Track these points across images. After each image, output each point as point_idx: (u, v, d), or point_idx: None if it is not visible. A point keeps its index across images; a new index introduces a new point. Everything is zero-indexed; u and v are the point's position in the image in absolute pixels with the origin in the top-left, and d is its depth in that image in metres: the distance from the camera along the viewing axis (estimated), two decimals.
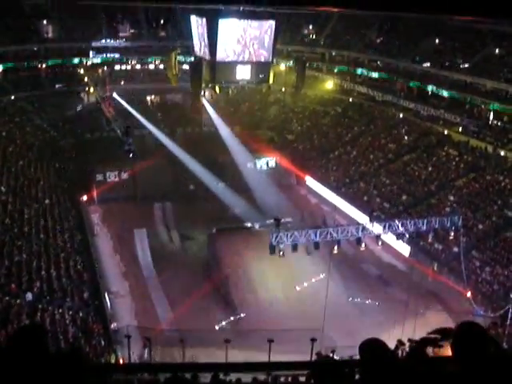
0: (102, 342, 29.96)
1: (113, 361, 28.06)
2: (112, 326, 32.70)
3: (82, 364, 3.70)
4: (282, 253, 34.98)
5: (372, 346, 3.60)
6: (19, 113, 64.92)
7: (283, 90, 71.36)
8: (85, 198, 51.96)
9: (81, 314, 31.29)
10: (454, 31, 61.13)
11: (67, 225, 43.92)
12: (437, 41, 64.85)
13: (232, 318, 35.44)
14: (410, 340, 22.86)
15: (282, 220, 38.02)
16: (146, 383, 5.01)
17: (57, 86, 71.85)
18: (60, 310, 30.40)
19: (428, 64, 62.55)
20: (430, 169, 54.03)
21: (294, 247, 34.98)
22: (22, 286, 31.02)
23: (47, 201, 46.08)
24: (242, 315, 35.24)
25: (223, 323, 35.04)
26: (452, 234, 38.51)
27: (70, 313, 30.72)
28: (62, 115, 67.62)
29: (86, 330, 29.95)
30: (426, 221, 36.80)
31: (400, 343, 22.76)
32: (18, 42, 69.07)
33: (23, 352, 3.37)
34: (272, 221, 38.66)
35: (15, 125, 61.88)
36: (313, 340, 26.01)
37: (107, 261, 42.27)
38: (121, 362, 27.76)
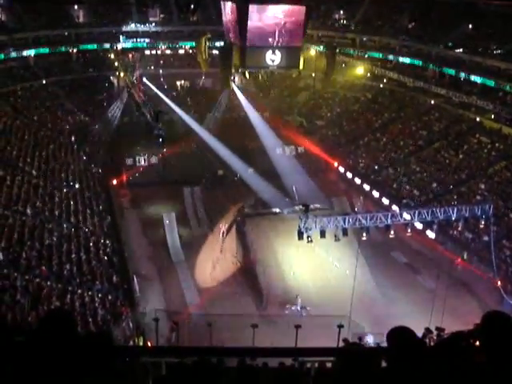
0: (131, 325, 30.28)
1: (141, 344, 28.34)
2: (140, 309, 33.00)
3: (110, 346, 3.75)
4: (310, 239, 34.97)
5: (400, 334, 3.58)
6: (50, 97, 65.64)
7: (313, 75, 71.02)
8: (114, 181, 52.39)
9: (110, 297, 31.60)
10: (487, 16, 60.20)
11: (97, 208, 44.36)
12: (470, 26, 63.88)
13: (295, 309, 35.23)
14: (437, 328, 22.76)
15: (311, 206, 37.97)
16: (173, 366, 5.05)
17: (88, 70, 72.47)
18: (89, 293, 30.77)
19: (461, 50, 61.65)
20: (460, 156, 53.43)
21: (322, 233, 34.94)
22: (52, 268, 31.44)
23: (77, 185, 46.56)
24: (308, 308, 34.98)
25: (288, 312, 35.07)
26: (482, 222, 38.14)
27: (100, 296, 31.06)
28: (92, 100, 68.20)
29: (114, 313, 30.27)
30: (456, 209, 36.46)
31: (428, 331, 22.66)
32: (49, 27, 69.76)
33: (52, 339, 3.42)
34: (301, 207, 38.63)
35: (46, 109, 62.57)
36: (340, 326, 26.02)
37: (136, 244, 42.62)
38: (148, 345, 28.03)
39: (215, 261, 40.61)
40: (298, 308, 34.71)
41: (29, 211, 36.84)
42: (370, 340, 30.78)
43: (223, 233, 43.24)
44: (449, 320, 27.39)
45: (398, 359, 3.47)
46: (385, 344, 3.65)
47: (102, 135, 59.38)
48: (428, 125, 60.58)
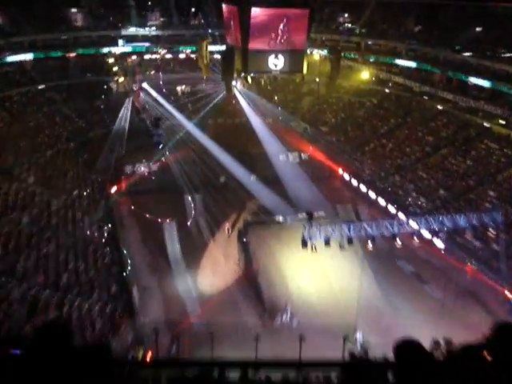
0: (130, 337, 30.22)
1: (140, 356, 28.29)
2: (140, 319, 32.94)
3: (109, 359, 3.73)
4: (314, 248, 34.95)
5: (407, 346, 3.56)
6: (48, 103, 65.72)
7: (317, 80, 71.13)
8: (114, 189, 52.39)
9: (108, 308, 31.57)
10: (496, 19, 60.14)
11: (95, 217, 44.36)
12: (478, 29, 63.86)
13: (285, 318, 35.14)
14: (446, 340, 22.68)
15: (315, 214, 38.01)
16: (173, 379, 5.03)
17: (86, 75, 72.63)
18: (87, 304, 30.73)
19: (468, 53, 61.62)
20: (468, 163, 53.38)
21: (327, 242, 34.90)
22: (49, 278, 31.42)
23: (75, 192, 46.58)
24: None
25: (278, 322, 34.90)
26: (491, 230, 38.05)
27: (98, 306, 31.03)
28: (91, 105, 68.28)
29: (113, 324, 30.23)
30: (464, 217, 36.40)
31: (436, 343, 22.57)
32: (46, 30, 69.83)
33: (48, 351, 3.40)
34: (304, 215, 38.67)
35: (44, 115, 62.64)
36: (345, 338, 26.00)
37: (136, 253, 42.53)
38: (148, 357, 27.98)
39: (216, 270, 40.59)
40: (288, 318, 34.68)
41: (25, 219, 36.84)
42: (359, 338, 31.10)
43: (228, 230, 45.02)
44: (457, 331, 27.26)
45: (406, 373, 3.44)
46: (391, 356, 3.63)
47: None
48: (435, 130, 60.58)
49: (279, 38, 43.14)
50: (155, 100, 66.94)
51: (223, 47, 52.19)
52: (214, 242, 44.80)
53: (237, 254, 42.75)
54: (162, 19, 79.48)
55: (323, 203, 47.72)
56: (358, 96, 72.52)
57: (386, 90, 71.01)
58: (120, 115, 64.02)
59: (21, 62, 68.57)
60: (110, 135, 60.78)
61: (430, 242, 42.08)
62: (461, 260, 40.65)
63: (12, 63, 67.63)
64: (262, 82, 59.45)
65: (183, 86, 79.06)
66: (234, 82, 55.45)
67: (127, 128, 62.12)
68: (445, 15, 65.96)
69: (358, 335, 31.53)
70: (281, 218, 45.81)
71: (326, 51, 67.93)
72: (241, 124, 64.03)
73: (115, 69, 74.20)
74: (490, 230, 38.28)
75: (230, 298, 37.11)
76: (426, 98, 65.48)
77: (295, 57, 44.89)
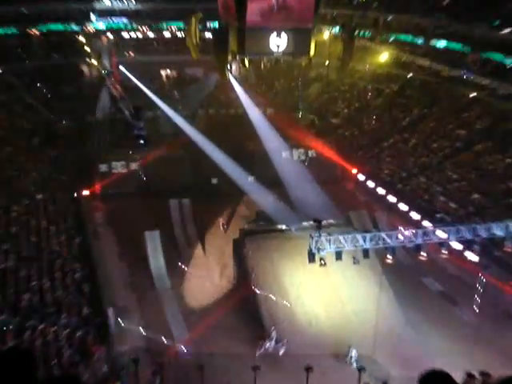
0: (104, 368, 30.16)
1: None
2: (116, 347, 32.91)
3: None
4: (323, 261, 34.89)
5: (434, 379, 3.54)
6: (6, 89, 65.57)
7: (327, 63, 71.18)
8: (86, 192, 52.32)
9: (79, 333, 31.52)
10: None
11: (64, 225, 44.30)
12: None
13: (269, 345, 35.14)
14: (482, 373, 22.58)
15: (324, 222, 37.91)
16: None
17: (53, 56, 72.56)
18: (54, 329, 30.68)
19: (509, 30, 61.45)
20: (508, 161, 53.29)
21: (338, 255, 34.82)
22: (7, 298, 31.36)
23: (40, 196, 46.52)
24: (285, 341, 34.98)
25: (261, 350, 34.83)
26: None
27: (66, 331, 30.97)
28: (58, 93, 68.19)
29: (84, 353, 30.17)
30: (503, 225, 36.33)
31: (469, 376, 22.51)
32: (3, 2, 69.41)
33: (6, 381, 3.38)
34: (311, 223, 38.58)
35: (1, 104, 62.53)
36: (360, 370, 25.92)
37: (112, 269, 42.54)
38: None
39: (208, 288, 40.63)
40: (273, 343, 34.67)
41: None
42: (354, 355, 31.24)
43: (223, 225, 47.06)
44: (495, 362, 27.27)
45: None
46: None
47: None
48: (467, 122, 60.48)
49: (281, 18, 43.06)
50: (135, 86, 66.90)
51: (216, 24, 52.22)
52: (205, 254, 44.82)
53: (232, 268, 42.76)
54: None
55: (334, 209, 47.71)
56: (375, 82, 72.62)
57: (409, 75, 70.96)
58: (94, 104, 64.00)
59: None
60: (82, 128, 60.78)
61: (462, 256, 42.03)
62: (499, 277, 40.63)
63: None
64: (262, 66, 59.29)
65: (168, 70, 79.16)
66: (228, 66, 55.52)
67: (103, 120, 62.14)
68: None
69: (353, 353, 31.62)
70: (284, 227, 45.81)
71: (337, 29, 68.08)
72: (236, 115, 64.02)
73: (87, 49, 74.13)
74: None
75: (223, 321, 37.11)
76: (456, 83, 65.44)
77: (301, 35, 44.54)
